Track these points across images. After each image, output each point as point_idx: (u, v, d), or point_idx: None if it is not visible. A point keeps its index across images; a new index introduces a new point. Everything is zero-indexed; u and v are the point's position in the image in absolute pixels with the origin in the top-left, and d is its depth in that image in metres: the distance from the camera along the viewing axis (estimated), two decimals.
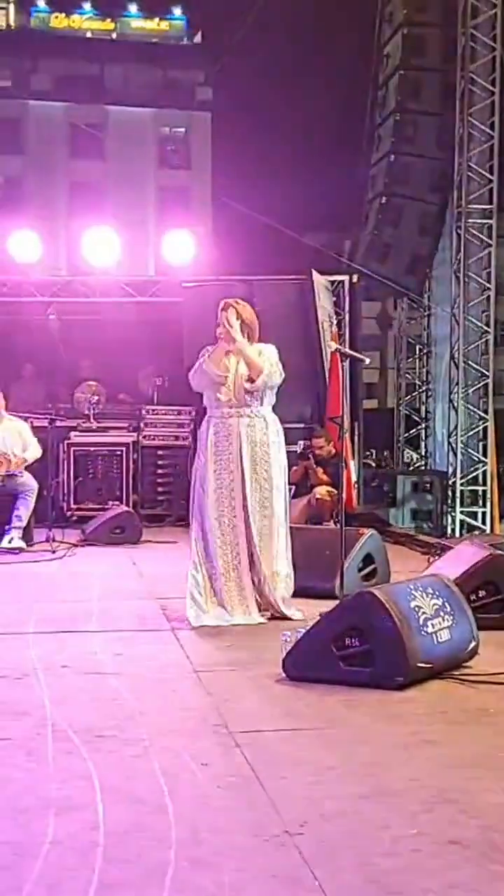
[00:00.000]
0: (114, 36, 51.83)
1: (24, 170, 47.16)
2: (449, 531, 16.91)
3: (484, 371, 17.54)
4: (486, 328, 17.62)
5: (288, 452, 7.44)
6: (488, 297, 17.56)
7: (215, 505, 7.02)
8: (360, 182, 19.63)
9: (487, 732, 4.56)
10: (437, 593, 5.57)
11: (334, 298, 15.55)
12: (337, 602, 6.10)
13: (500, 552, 6.80)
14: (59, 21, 51.26)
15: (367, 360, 10.15)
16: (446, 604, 5.56)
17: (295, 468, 11.66)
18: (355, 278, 15.87)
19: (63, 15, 51.29)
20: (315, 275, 14.52)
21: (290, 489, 11.44)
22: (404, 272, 18.42)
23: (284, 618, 6.93)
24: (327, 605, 6.14)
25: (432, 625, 5.36)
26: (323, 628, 5.41)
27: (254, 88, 42.98)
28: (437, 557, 8.48)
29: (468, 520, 17.12)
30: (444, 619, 5.46)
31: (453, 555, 7.44)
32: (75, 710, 4.87)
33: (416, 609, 5.34)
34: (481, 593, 6.55)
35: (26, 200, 46.55)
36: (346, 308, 15.60)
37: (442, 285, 18.35)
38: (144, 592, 8.35)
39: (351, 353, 10.25)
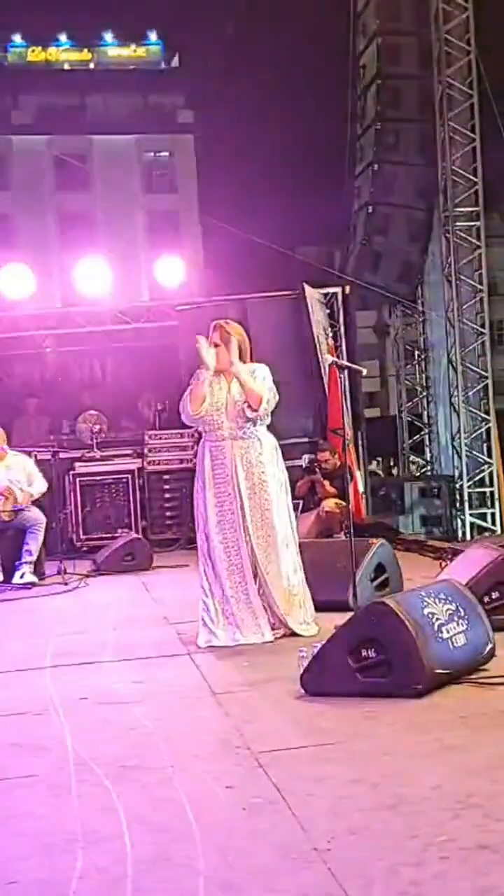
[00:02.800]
0: (92, 65, 52.04)
1: (11, 205, 47.30)
2: (459, 535, 16.88)
3: (482, 372, 17.55)
4: (481, 330, 17.64)
5: (292, 468, 7.46)
6: (481, 298, 17.57)
7: (218, 528, 7.04)
8: (346, 193, 19.67)
9: None
10: (449, 598, 5.57)
11: (328, 311, 15.58)
12: (351, 614, 6.10)
13: None
14: (36, 54, 51.48)
15: (364, 371, 10.18)
16: (460, 608, 5.56)
17: (300, 482, 11.67)
18: (347, 289, 15.89)
19: (40, 48, 51.51)
20: (307, 289, 14.55)
21: (297, 504, 11.53)
22: (396, 279, 18.45)
23: (296, 635, 6.92)
24: (342, 618, 6.13)
25: (447, 630, 5.36)
26: (338, 641, 5.41)
27: (234, 108, 43.11)
28: (448, 562, 8.48)
29: (478, 522, 17.10)
30: (458, 624, 5.45)
31: (464, 558, 7.44)
32: (97, 742, 4.87)
33: (430, 615, 5.33)
34: (494, 595, 6.53)
35: (16, 235, 46.68)
36: (341, 319, 15.63)
37: (434, 290, 18.37)
38: (159, 618, 8.35)
39: (347, 364, 10.28)
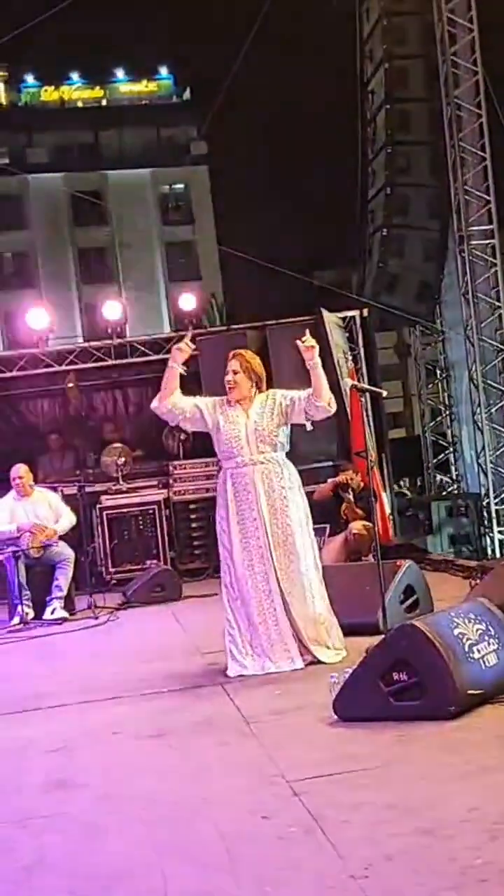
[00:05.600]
0: (104, 102, 52.44)
1: (30, 244, 47.68)
2: (489, 552, 16.78)
3: (503, 389, 17.52)
4: (501, 346, 17.59)
5: (310, 493, 7.47)
6: (499, 315, 17.53)
7: (243, 556, 7.02)
8: (361, 217, 19.73)
9: None
10: (479, 618, 5.54)
11: (347, 334, 15.59)
12: (381, 637, 6.07)
13: None
14: (49, 94, 51.95)
15: (385, 393, 10.16)
16: (490, 627, 5.52)
17: (322, 487, 11.65)
18: (366, 312, 15.91)
19: (52, 88, 51.98)
20: (325, 313, 14.56)
21: (325, 528, 11.51)
22: (414, 300, 18.45)
23: (321, 662, 6.88)
24: (373, 642, 6.10)
25: (478, 650, 5.33)
26: (369, 666, 5.39)
27: (247, 138, 43.34)
28: (478, 580, 8.43)
29: None
30: (489, 643, 5.42)
31: (493, 576, 7.41)
32: (130, 776, 4.87)
33: (461, 636, 5.31)
34: None
35: (36, 273, 47.06)
36: (360, 342, 15.64)
37: (452, 309, 18.35)
38: (190, 649, 8.34)
39: (366, 387, 10.25)
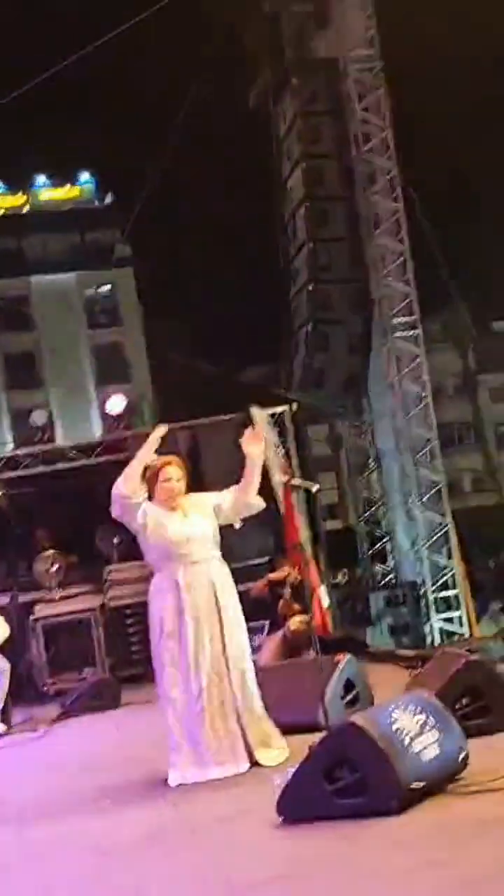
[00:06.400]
0: (26, 209, 52.83)
1: None
2: (429, 641, 16.77)
3: (434, 477, 17.63)
4: (429, 434, 17.78)
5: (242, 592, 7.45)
6: (426, 404, 17.75)
7: (195, 658, 6.90)
8: (286, 313, 19.97)
9: (492, 844, 4.47)
10: (419, 709, 5.52)
11: (277, 429, 15.68)
12: (323, 735, 6.02)
13: (475, 657, 6.78)
14: None
15: (316, 487, 10.20)
16: (430, 718, 5.50)
17: (256, 584, 11.61)
18: (294, 407, 16.04)
19: None
20: (254, 410, 14.65)
21: (263, 625, 11.47)
22: (342, 392, 18.59)
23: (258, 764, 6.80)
24: (315, 740, 6.05)
25: (419, 743, 5.30)
26: (311, 765, 5.34)
27: (170, 238, 43.88)
28: (418, 670, 8.43)
29: (446, 626, 17.00)
30: (430, 735, 5.40)
31: (432, 665, 7.41)
32: (74, 894, 4.74)
33: (400, 730, 5.28)
34: (464, 700, 6.50)
35: None
36: (291, 437, 15.74)
37: (381, 399, 18.52)
38: (132, 758, 8.20)
39: (298, 482, 10.32)
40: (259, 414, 14.85)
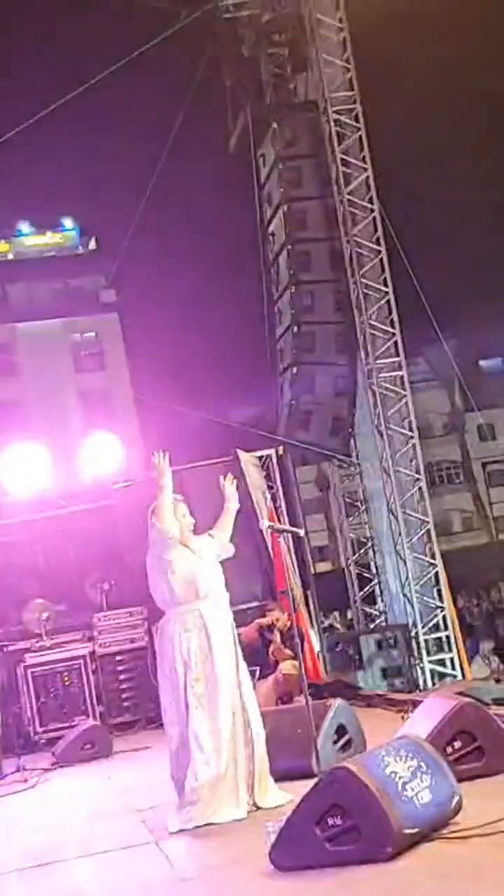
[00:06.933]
0: (10, 256, 53.03)
1: None
2: (421, 683, 16.69)
3: (423, 518, 17.62)
4: (416, 475, 17.78)
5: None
6: (413, 445, 17.77)
7: (221, 696, 6.83)
8: (270, 356, 20.02)
9: (487, 889, 4.44)
10: (411, 754, 5.49)
11: (265, 472, 15.67)
12: (315, 781, 5.97)
13: (467, 699, 6.74)
14: None
15: (302, 533, 10.19)
16: (422, 763, 5.47)
17: (246, 628, 11.55)
18: (281, 450, 16.04)
19: None
20: (241, 454, 14.64)
21: (254, 671, 11.40)
22: (328, 435, 18.60)
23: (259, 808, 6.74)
24: (307, 786, 6.00)
25: (411, 788, 5.27)
26: (303, 812, 5.30)
27: (155, 282, 44.13)
28: (410, 714, 8.38)
29: (438, 668, 16.94)
30: (422, 780, 5.36)
31: (424, 709, 7.36)
32: None
33: (392, 775, 5.25)
34: (457, 744, 6.46)
35: None
36: (278, 480, 15.72)
37: (367, 441, 18.54)
38: (122, 807, 8.13)
39: (283, 528, 10.33)
40: (245, 457, 14.85)
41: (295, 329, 18.29)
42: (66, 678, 13.27)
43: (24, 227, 53.38)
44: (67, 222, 53.84)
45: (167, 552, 7.07)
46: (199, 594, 7.04)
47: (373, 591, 19.74)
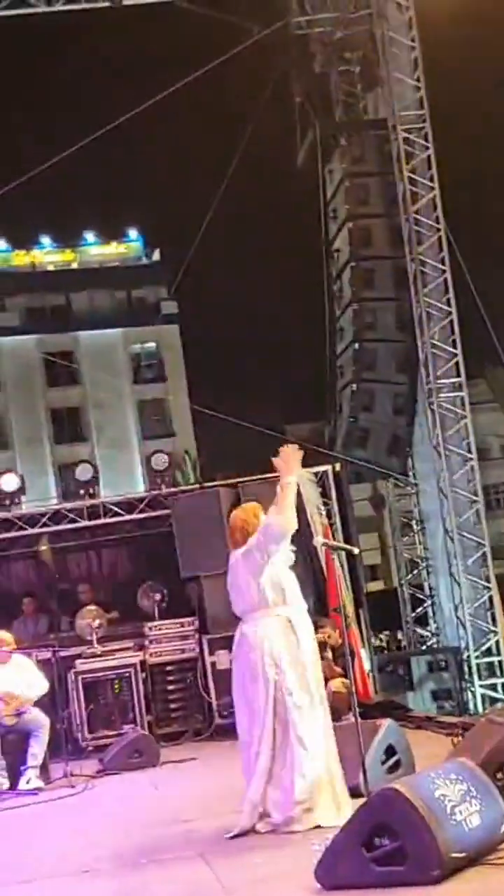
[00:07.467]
0: (75, 265, 53.47)
1: (3, 405, 48.06)
2: (471, 707, 16.58)
3: (480, 540, 17.53)
4: (474, 497, 17.70)
5: None
6: (472, 466, 17.70)
7: (318, 704, 6.91)
8: (330, 371, 20.02)
9: None
10: (460, 778, 5.43)
11: (320, 489, 15.63)
12: (363, 801, 5.94)
13: None
14: (20, 258, 52.96)
15: (356, 551, 10.15)
16: (471, 787, 5.41)
17: None
18: (338, 466, 15.99)
19: (24, 252, 53.00)
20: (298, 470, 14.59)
21: None
22: (386, 453, 18.59)
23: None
24: (355, 805, 5.97)
25: (460, 811, 5.21)
26: (350, 831, 5.26)
27: (217, 296, 44.25)
28: (460, 738, 8.31)
29: (489, 693, 16.83)
30: (471, 804, 5.30)
31: (474, 733, 7.29)
32: None
33: (442, 798, 5.19)
34: None
35: (9, 434, 47.33)
36: (334, 497, 15.67)
37: (425, 461, 18.50)
38: (169, 818, 8.11)
39: (338, 545, 10.28)
40: (301, 472, 14.80)
41: (356, 346, 18.31)
42: (116, 686, 13.30)
43: (90, 236, 53.81)
44: (132, 233, 54.22)
45: (286, 546, 6.98)
46: (286, 599, 7.02)
47: (425, 613, 19.65)
